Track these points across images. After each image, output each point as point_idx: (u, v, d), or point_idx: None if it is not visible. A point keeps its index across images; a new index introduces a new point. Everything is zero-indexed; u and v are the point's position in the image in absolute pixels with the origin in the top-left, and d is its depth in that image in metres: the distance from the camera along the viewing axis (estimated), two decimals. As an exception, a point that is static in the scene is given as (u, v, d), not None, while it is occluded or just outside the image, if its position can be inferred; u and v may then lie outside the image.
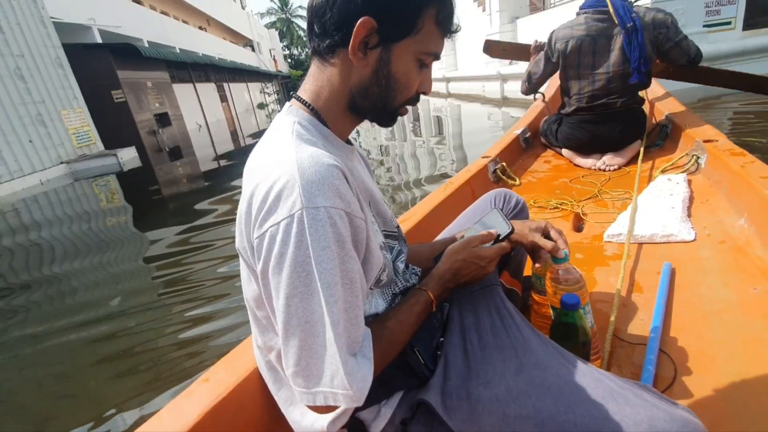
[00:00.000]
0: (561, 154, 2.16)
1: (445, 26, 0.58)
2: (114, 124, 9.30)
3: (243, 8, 34.96)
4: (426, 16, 0.55)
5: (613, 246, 1.25)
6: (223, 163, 7.65)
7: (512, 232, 0.70)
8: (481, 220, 0.75)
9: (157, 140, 10.62)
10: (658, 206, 1.34)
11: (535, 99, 2.73)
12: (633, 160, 1.90)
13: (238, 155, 8.18)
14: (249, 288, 0.57)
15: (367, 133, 7.46)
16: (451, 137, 6.01)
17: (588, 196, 1.63)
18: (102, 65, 9.09)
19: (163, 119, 11.62)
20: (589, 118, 1.97)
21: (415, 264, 0.78)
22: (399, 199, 3.49)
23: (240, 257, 0.56)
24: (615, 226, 1.30)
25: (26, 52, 6.85)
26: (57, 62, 7.55)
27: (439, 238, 0.94)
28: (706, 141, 1.64)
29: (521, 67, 7.80)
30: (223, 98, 19.07)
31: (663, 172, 1.68)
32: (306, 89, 0.61)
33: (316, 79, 0.60)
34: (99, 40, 11.23)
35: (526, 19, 7.86)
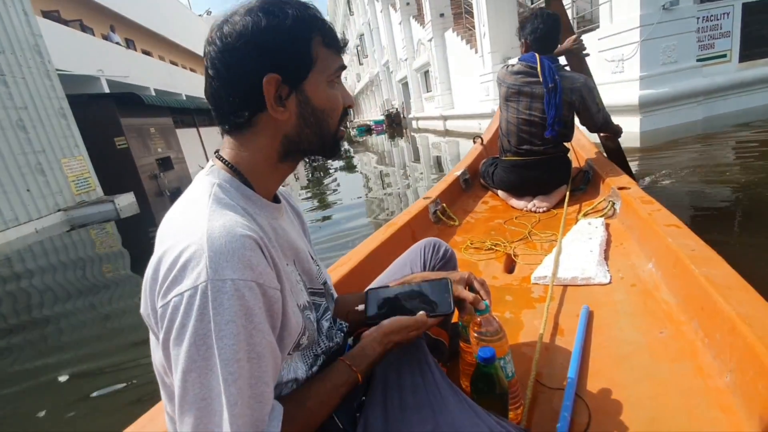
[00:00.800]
0: (497, 195, 2.30)
1: (336, 46, 0.59)
2: (115, 170, 9.40)
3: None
4: (315, 45, 0.57)
5: (540, 288, 1.31)
6: None
7: (451, 313, 0.72)
8: (429, 283, 0.76)
9: (158, 184, 10.71)
10: (578, 249, 1.42)
11: (474, 142, 2.94)
12: (560, 203, 2.01)
13: None
14: (157, 354, 0.55)
15: (367, 168, 7.39)
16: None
17: (520, 238, 1.73)
18: (106, 113, 9.32)
19: (165, 163, 11.78)
20: (519, 163, 2.11)
21: (345, 314, 0.78)
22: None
23: (145, 322, 0.55)
24: (541, 268, 1.37)
25: (29, 104, 7.01)
26: (60, 113, 7.72)
27: (372, 286, 0.94)
28: (620, 188, 1.74)
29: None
30: (227, 141, 19.45)
31: (585, 215, 1.80)
32: (228, 150, 0.60)
33: (239, 144, 0.60)
34: (106, 90, 11.62)
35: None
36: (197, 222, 0.50)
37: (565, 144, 2.14)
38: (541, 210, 2.01)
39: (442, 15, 11.35)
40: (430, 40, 11.88)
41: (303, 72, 0.56)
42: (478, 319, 0.76)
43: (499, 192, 2.25)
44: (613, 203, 1.76)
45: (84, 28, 13.89)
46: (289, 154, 0.61)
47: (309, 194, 6.51)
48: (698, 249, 1.06)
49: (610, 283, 1.24)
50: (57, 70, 9.72)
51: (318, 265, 0.74)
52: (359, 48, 28.83)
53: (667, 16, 4.55)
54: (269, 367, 0.50)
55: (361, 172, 8.19)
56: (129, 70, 13.45)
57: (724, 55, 5.23)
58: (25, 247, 5.77)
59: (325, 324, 0.70)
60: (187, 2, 26.15)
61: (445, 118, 12.03)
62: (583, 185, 2.16)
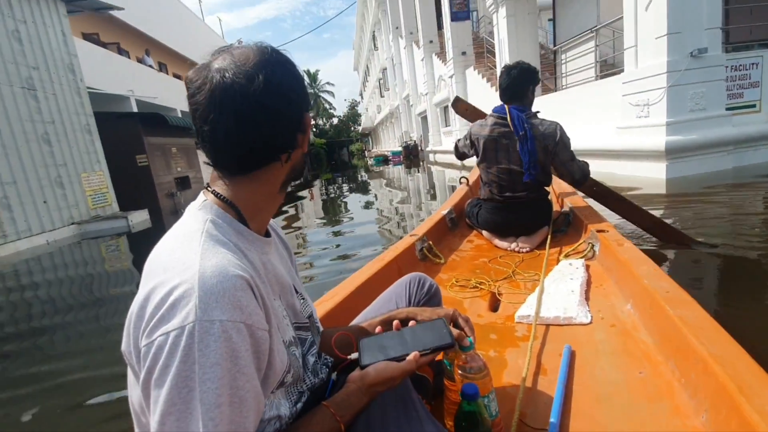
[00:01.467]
0: (482, 235, 2.34)
1: (308, 106, 0.64)
2: (134, 187, 9.55)
3: (275, 83, 37.83)
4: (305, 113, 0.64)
5: (523, 327, 1.32)
6: None
7: (452, 345, 0.70)
8: (423, 325, 0.74)
9: (174, 202, 10.83)
10: (560, 289, 1.45)
11: (461, 183, 3.07)
12: (543, 244, 2.06)
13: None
14: (134, 392, 0.55)
15: (386, 196, 7.31)
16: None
17: (504, 276, 1.76)
18: (130, 132, 9.58)
19: (183, 182, 11.97)
20: (501, 206, 2.20)
21: (329, 349, 0.77)
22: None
23: (125, 359, 0.54)
24: (524, 307, 1.39)
25: (57, 119, 7.22)
26: (86, 129, 7.93)
27: (357, 320, 0.95)
28: (599, 231, 1.80)
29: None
30: (246, 163, 19.80)
31: (566, 256, 1.84)
32: (224, 186, 0.60)
33: (241, 182, 0.60)
34: (135, 109, 12.04)
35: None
36: (190, 259, 0.50)
37: (546, 188, 2.24)
38: (524, 250, 2.06)
39: (464, 53, 11.55)
40: (451, 77, 12.04)
41: (309, 108, 0.63)
42: (463, 356, 0.76)
43: (484, 232, 2.31)
44: (593, 245, 1.81)
45: (120, 51, 14.60)
46: (287, 183, 0.64)
47: (324, 219, 6.53)
48: (672, 291, 1.09)
49: (591, 323, 1.26)
50: (89, 88, 10.14)
51: (303, 298, 0.73)
52: (381, 81, 29.57)
53: (695, 63, 4.44)
54: (251, 412, 0.49)
55: (375, 200, 8.12)
56: (158, 92, 13.97)
57: (753, 105, 5.06)
58: (34, 258, 5.77)
59: (311, 359, 0.70)
60: (221, 33, 27.48)
61: (462, 152, 11.99)
62: (564, 227, 2.24)
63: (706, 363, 0.78)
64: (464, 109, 3.09)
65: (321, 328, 0.79)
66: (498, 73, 9.01)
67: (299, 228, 5.81)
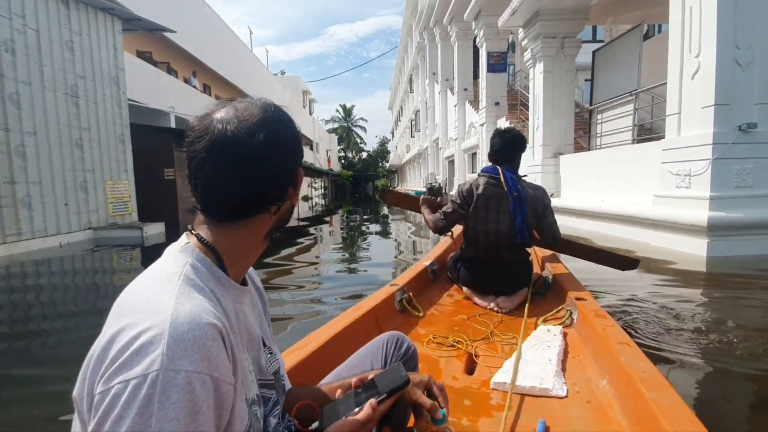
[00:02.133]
0: (462, 290, 2.31)
1: None
2: (157, 199, 9.71)
3: (310, 114, 39.28)
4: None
5: (498, 394, 1.29)
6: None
7: (406, 384, 0.69)
8: (378, 375, 0.72)
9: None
10: (537, 357, 1.42)
11: (445, 235, 2.97)
12: (522, 305, 2.04)
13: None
14: None
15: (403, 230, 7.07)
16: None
17: (482, 336, 1.73)
18: (162, 145, 9.87)
19: (205, 199, 12.17)
20: (483, 263, 2.18)
21: (294, 409, 0.73)
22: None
23: (75, 406, 0.51)
24: (501, 373, 1.36)
25: (93, 127, 7.48)
26: (120, 138, 8.18)
27: (328, 379, 0.91)
28: (577, 299, 1.78)
29: (563, 201, 7.43)
30: (271, 187, 20.10)
31: (544, 321, 1.82)
32: (208, 231, 0.60)
33: (227, 228, 0.60)
34: (173, 124, 12.52)
35: (569, 156, 7.73)
36: (163, 302, 0.49)
37: (527, 249, 2.27)
38: (503, 310, 2.05)
39: (497, 103, 11.56)
40: (482, 125, 12.02)
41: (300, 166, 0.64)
42: (434, 429, 0.73)
43: (464, 288, 2.28)
44: (571, 313, 1.79)
45: (170, 70, 15.45)
46: (272, 233, 0.63)
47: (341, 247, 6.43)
48: (648, 371, 1.07)
49: (566, 396, 1.24)
50: (134, 101, 10.62)
51: (271, 353, 0.70)
52: (413, 122, 30.14)
53: (743, 137, 4.15)
54: None
55: (394, 238, 7.89)
56: (197, 110, 14.48)
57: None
58: (44, 260, 5.76)
59: (273, 420, 0.68)
60: (266, 63, 28.99)
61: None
62: (543, 290, 2.24)
63: None
64: (394, 198, 3.03)
65: (287, 386, 0.77)
66: (531, 126, 8.92)
67: (304, 255, 5.62)
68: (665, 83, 4.82)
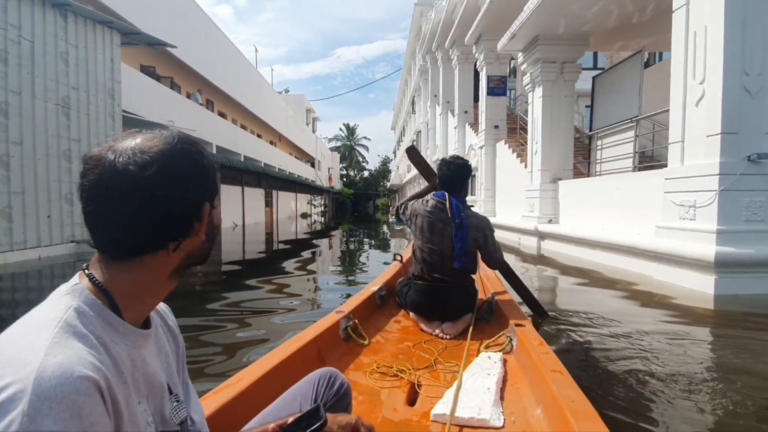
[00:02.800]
0: (410, 316, 2.31)
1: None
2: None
3: (313, 132, 39.57)
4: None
5: (438, 426, 1.27)
6: (241, 263, 7.35)
7: (321, 423, 0.68)
8: (296, 418, 0.71)
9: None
10: (477, 386, 1.43)
11: (394, 260, 3.08)
12: (466, 330, 2.05)
13: (264, 260, 8.02)
14: None
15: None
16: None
17: (426, 365, 1.72)
18: (156, 159, 9.77)
19: (199, 214, 11.99)
20: (428, 287, 2.21)
21: None
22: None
23: None
24: (441, 404, 1.36)
25: (84, 138, 7.34)
26: (111, 150, 8.02)
27: (251, 424, 0.84)
28: (517, 325, 1.80)
29: (561, 227, 7.20)
30: (268, 203, 19.97)
31: (486, 347, 1.84)
32: (102, 270, 0.56)
33: (124, 267, 0.56)
34: (171, 138, 12.45)
35: (568, 182, 7.53)
36: (31, 354, 0.44)
37: (472, 275, 2.33)
38: (448, 337, 2.06)
39: (496, 127, 11.48)
40: (481, 147, 11.92)
41: (215, 198, 0.63)
42: None
43: (411, 314, 2.30)
44: (511, 339, 1.81)
45: (173, 85, 15.53)
46: (181, 270, 0.61)
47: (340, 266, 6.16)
48: (578, 401, 1.08)
49: (503, 426, 1.24)
50: (132, 114, 10.57)
51: (178, 400, 0.64)
52: (414, 142, 30.26)
53: (753, 168, 3.94)
54: None
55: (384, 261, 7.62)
56: (198, 125, 14.52)
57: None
58: (21, 272, 5.51)
59: None
60: (270, 80, 29.36)
61: (484, 224, 11.52)
62: (487, 315, 2.28)
63: None
64: (417, 161, 3.13)
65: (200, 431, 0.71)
66: (529, 150, 8.80)
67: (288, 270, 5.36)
68: (667, 110, 4.66)
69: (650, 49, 7.98)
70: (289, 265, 7.08)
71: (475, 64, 12.94)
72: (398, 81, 38.21)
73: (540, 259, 6.95)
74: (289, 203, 25.48)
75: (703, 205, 4.10)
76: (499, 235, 10.39)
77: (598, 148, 7.50)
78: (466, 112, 15.04)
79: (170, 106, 13.21)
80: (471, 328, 2.05)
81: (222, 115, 19.41)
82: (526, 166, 8.86)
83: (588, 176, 7.64)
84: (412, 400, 1.46)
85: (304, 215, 26.64)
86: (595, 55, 17.96)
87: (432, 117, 21.71)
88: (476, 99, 14.43)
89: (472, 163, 13.66)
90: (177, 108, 13.52)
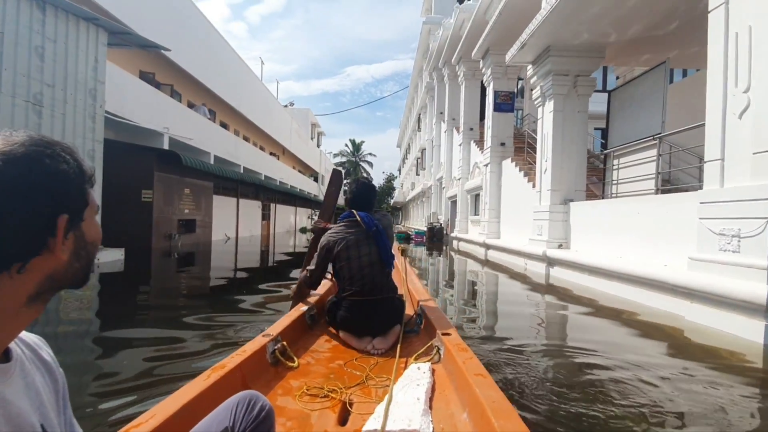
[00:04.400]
0: (340, 335, 2.27)
1: (92, 183, 0.59)
2: (130, 222, 8.94)
3: (318, 146, 39.38)
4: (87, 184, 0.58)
5: None
6: (231, 277, 6.76)
7: None
8: None
9: (170, 245, 10.11)
10: (407, 397, 1.44)
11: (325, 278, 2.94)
12: (397, 343, 2.07)
13: (257, 274, 7.45)
14: None
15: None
16: (484, 307, 4.59)
17: (357, 382, 1.71)
18: (142, 165, 9.25)
19: (188, 225, 11.38)
20: (358, 303, 2.22)
21: None
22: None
23: None
24: (372, 420, 1.34)
25: (57, 138, 6.78)
26: (89, 154, 7.51)
27: None
28: (444, 334, 1.86)
29: (572, 253, 6.51)
30: (266, 216, 19.39)
31: (416, 359, 1.87)
32: None
33: None
34: (166, 145, 12.01)
35: (581, 203, 6.87)
36: None
37: (396, 286, 2.40)
38: (379, 352, 2.07)
39: (503, 144, 10.91)
40: (486, 165, 11.32)
41: (82, 211, 0.56)
42: None
43: (341, 333, 2.26)
44: (438, 348, 1.84)
45: (173, 93, 15.19)
46: (44, 294, 0.54)
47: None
48: (498, 401, 1.13)
49: None
50: (123, 119, 10.14)
51: None
52: (419, 160, 29.82)
53: (811, 193, 3.27)
54: None
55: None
56: (196, 135, 14.09)
57: None
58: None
59: None
60: (276, 93, 29.24)
61: (487, 246, 10.81)
62: (416, 327, 2.33)
63: None
64: (334, 188, 3.09)
65: None
66: (538, 169, 8.19)
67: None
68: (699, 125, 4.04)
69: (672, 65, 7.42)
70: (270, 281, 6.43)
71: (482, 81, 12.49)
72: (405, 99, 38.14)
73: (549, 288, 6.24)
74: (288, 217, 24.91)
75: (750, 234, 3.42)
76: (504, 259, 9.62)
77: (615, 168, 6.86)
78: (471, 129, 14.54)
79: (167, 114, 12.79)
80: (400, 341, 2.09)
81: (224, 125, 19.07)
82: (534, 186, 8.22)
83: (603, 198, 6.97)
84: (343, 420, 1.43)
85: (304, 230, 26.01)
86: (605, 76, 17.54)
87: (437, 134, 21.29)
88: (482, 117, 13.96)
89: (478, 180, 13.13)
90: (174, 116, 13.10)
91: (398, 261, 3.30)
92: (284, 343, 1.88)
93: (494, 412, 1.05)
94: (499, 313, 4.84)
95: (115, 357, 2.96)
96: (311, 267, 2.40)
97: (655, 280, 4.39)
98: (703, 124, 4.02)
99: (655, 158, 5.79)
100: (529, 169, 9.30)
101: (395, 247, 3.47)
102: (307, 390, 1.60)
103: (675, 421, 2.04)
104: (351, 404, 1.52)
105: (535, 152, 8.17)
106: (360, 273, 2.24)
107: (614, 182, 6.80)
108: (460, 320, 4.32)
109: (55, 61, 6.71)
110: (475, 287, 6.77)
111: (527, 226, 8.13)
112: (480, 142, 13.49)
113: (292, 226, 25.45)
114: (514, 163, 9.87)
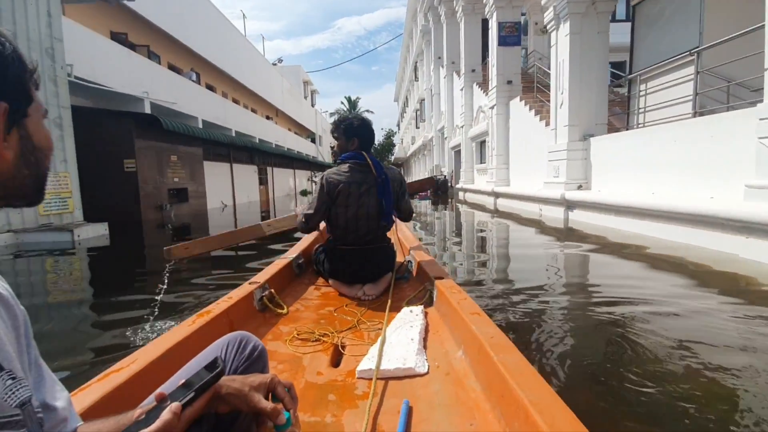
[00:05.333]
0: (329, 283, 2.26)
1: (34, 82, 0.54)
2: (115, 193, 8.41)
3: (312, 106, 37.93)
4: (30, 81, 0.53)
5: (364, 383, 1.26)
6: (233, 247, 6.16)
7: (217, 375, 0.60)
8: (191, 377, 0.60)
9: (163, 216, 9.63)
10: (401, 338, 1.44)
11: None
12: (387, 290, 2.06)
13: (253, 252, 6.82)
14: None
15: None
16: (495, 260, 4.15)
17: (348, 327, 1.69)
18: (121, 133, 8.55)
19: (180, 194, 10.82)
20: (347, 251, 2.16)
21: None
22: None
23: None
24: (366, 360, 1.34)
25: (16, 106, 6.11)
26: (56, 122, 6.82)
27: (147, 401, 0.70)
28: (436, 278, 1.84)
29: (594, 194, 5.92)
30: (263, 181, 18.77)
31: (408, 303, 1.85)
32: None
33: None
34: (148, 111, 11.23)
35: (603, 138, 6.17)
36: None
37: (389, 235, 2.32)
38: (370, 298, 2.05)
39: (509, 82, 9.99)
40: (491, 107, 10.48)
41: (25, 105, 0.52)
42: None
43: (330, 280, 2.23)
44: (431, 292, 1.84)
45: (151, 54, 14.11)
46: None
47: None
48: (496, 336, 1.13)
49: (428, 372, 1.26)
50: (94, 83, 9.32)
51: (13, 378, 0.49)
52: (418, 112, 28.60)
53: None
54: None
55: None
56: (180, 98, 13.19)
57: None
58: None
59: None
60: (262, 50, 27.60)
61: (496, 195, 10.21)
62: (407, 274, 2.31)
63: (527, 412, 0.78)
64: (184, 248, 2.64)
65: (74, 423, 0.59)
66: (553, 103, 7.43)
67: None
68: (750, 30, 3.28)
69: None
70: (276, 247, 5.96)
71: (483, 16, 11.32)
72: (400, 50, 36.09)
73: (568, 234, 5.72)
74: (287, 180, 24.26)
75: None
76: (514, 205, 9.02)
77: (641, 94, 6.09)
78: (473, 71, 13.47)
79: (145, 77, 11.86)
80: (392, 287, 2.06)
81: (210, 87, 18.00)
82: (547, 124, 7.48)
83: (627, 129, 6.26)
84: (336, 362, 1.42)
85: (304, 192, 25.46)
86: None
87: (436, 81, 20.09)
88: (484, 57, 12.86)
89: (483, 126, 12.31)
90: (153, 79, 12.17)
91: None
92: (272, 290, 1.84)
93: (493, 347, 1.05)
94: (512, 263, 4.33)
95: (102, 319, 2.85)
96: (309, 211, 2.16)
97: (701, 215, 3.82)
98: (760, 27, 3.27)
99: (691, 77, 5.02)
100: (540, 107, 8.50)
101: None
102: (298, 335, 1.58)
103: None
104: (343, 347, 1.50)
105: (546, 91, 7.36)
106: (356, 224, 2.12)
107: (640, 110, 6.06)
108: (469, 270, 3.83)
109: (0, 17, 5.87)
110: (484, 237, 6.28)
111: (541, 170, 7.49)
112: (483, 84, 12.52)
113: (291, 189, 24.86)
114: (523, 102, 9.04)
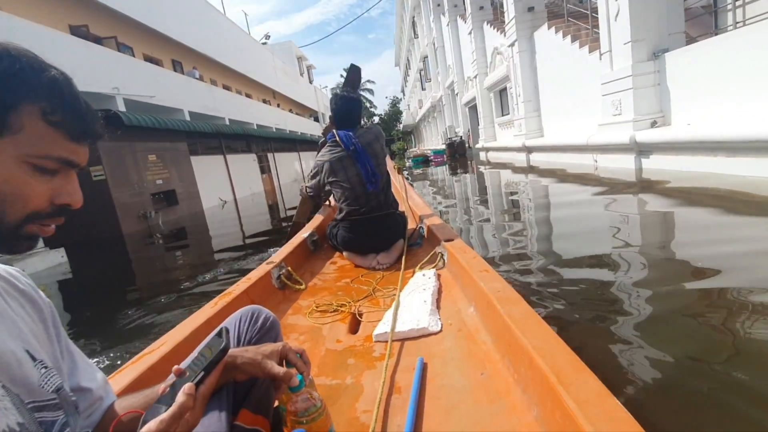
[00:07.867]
0: (344, 256, 2.31)
1: (69, 126, 0.48)
2: (85, 209, 7.26)
3: (310, 82, 36.03)
4: (24, 114, 0.45)
5: (380, 345, 1.30)
6: (240, 247, 5.23)
7: (223, 351, 0.60)
8: (201, 352, 0.62)
9: (149, 225, 8.50)
10: (414, 301, 1.48)
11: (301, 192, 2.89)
12: (401, 257, 2.09)
13: (267, 239, 5.81)
14: None
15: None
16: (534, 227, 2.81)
17: (364, 296, 1.75)
18: (80, 136, 7.35)
19: (167, 197, 9.64)
20: (356, 223, 2.22)
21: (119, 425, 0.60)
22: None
23: None
24: (381, 325, 1.38)
25: None
26: None
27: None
28: (446, 240, 1.87)
29: (678, 131, 4.30)
30: (265, 169, 17.49)
31: (420, 268, 1.87)
32: None
33: None
34: (123, 108, 9.99)
35: (684, 51, 4.46)
36: None
37: (396, 200, 2.38)
38: (384, 266, 2.09)
39: (531, 9, 8.13)
40: (511, 45, 8.68)
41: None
42: (294, 397, 0.70)
43: (344, 252, 2.29)
44: (442, 255, 1.85)
45: (120, 46, 12.69)
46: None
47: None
48: (503, 290, 1.15)
49: (441, 330, 1.29)
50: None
51: (45, 367, 0.52)
52: (422, 72, 26.46)
53: None
54: None
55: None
56: (158, 91, 11.84)
57: None
58: None
59: None
60: (246, 29, 25.73)
61: (529, 149, 8.58)
62: (419, 240, 2.32)
63: (531, 357, 0.80)
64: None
65: (107, 401, 0.64)
66: (604, 15, 5.54)
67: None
68: None
69: None
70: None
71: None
72: (395, 8, 33.40)
73: (644, 186, 4.19)
74: (291, 164, 22.90)
75: None
76: (557, 161, 7.17)
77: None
78: (481, 8, 11.51)
79: (115, 72, 10.52)
80: (404, 254, 2.10)
81: (201, 79, 16.54)
82: (590, 51, 5.77)
83: (715, 35, 4.52)
84: (354, 330, 1.47)
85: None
86: None
87: (438, 32, 18.04)
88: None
89: (502, 70, 10.52)
90: (125, 73, 10.81)
91: (395, 179, 3.20)
92: (289, 268, 1.90)
93: (500, 300, 1.07)
94: (571, 239, 2.86)
95: None
96: (309, 184, 2.40)
97: None
98: None
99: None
100: (577, 30, 6.71)
101: (391, 165, 3.28)
102: (317, 307, 1.65)
103: None
104: (361, 315, 1.56)
105: (579, 17, 5.59)
106: (353, 193, 2.20)
107: (738, 5, 4.30)
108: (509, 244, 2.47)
109: None
110: (518, 203, 4.84)
111: (590, 109, 5.84)
112: (496, 22, 10.61)
113: (299, 173, 23.54)
114: (553, 30, 7.23)
